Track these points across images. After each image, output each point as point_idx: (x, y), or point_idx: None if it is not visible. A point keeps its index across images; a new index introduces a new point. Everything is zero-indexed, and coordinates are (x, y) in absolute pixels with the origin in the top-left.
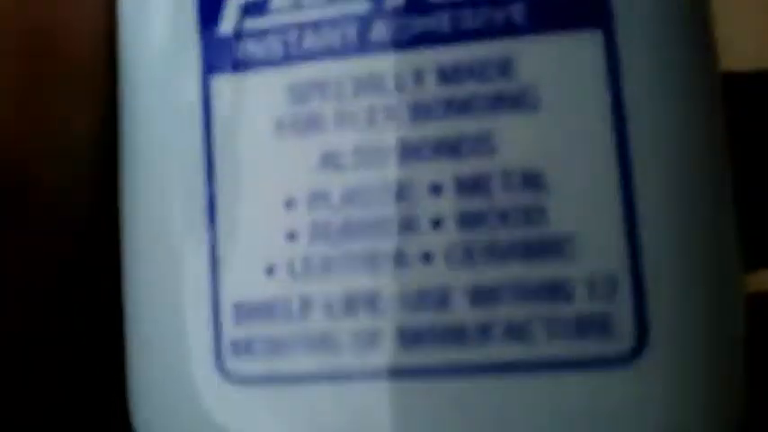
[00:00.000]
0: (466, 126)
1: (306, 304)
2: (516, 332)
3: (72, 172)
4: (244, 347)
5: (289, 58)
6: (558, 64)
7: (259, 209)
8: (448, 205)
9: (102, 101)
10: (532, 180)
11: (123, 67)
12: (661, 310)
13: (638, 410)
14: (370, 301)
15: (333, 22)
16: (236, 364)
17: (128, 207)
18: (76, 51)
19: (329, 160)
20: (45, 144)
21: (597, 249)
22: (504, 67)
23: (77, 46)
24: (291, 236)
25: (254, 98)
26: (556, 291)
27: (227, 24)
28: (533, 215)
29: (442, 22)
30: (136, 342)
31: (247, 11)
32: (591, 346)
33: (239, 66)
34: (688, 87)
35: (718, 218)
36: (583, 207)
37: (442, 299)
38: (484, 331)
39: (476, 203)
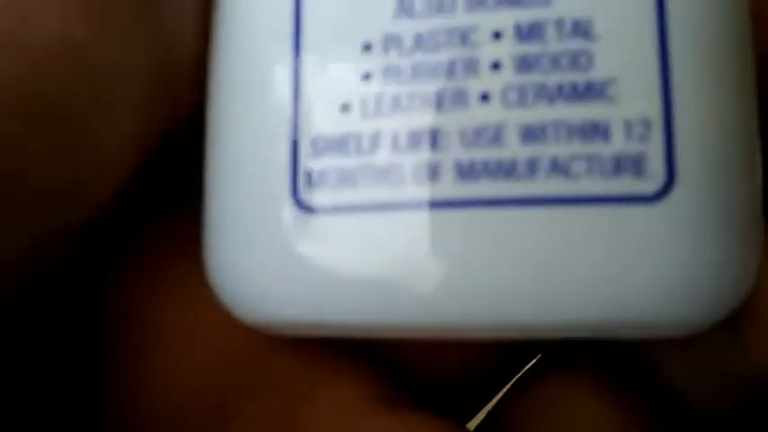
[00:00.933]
0: None
1: (375, 139)
2: (559, 168)
3: None
4: (318, 179)
5: None
6: None
7: (339, 50)
8: (506, 50)
9: None
10: (582, 28)
11: None
12: (689, 155)
13: (663, 245)
14: (433, 137)
15: None
16: (311, 195)
17: (217, 37)
18: None
19: (404, 7)
20: None
21: (635, 93)
22: None
23: None
24: (366, 76)
25: None
26: (596, 130)
27: None
28: (581, 60)
29: None
30: (213, 192)
31: None
32: (625, 184)
33: None
34: None
35: (744, 78)
36: (624, 54)
37: (496, 135)
38: (531, 166)
39: (531, 48)
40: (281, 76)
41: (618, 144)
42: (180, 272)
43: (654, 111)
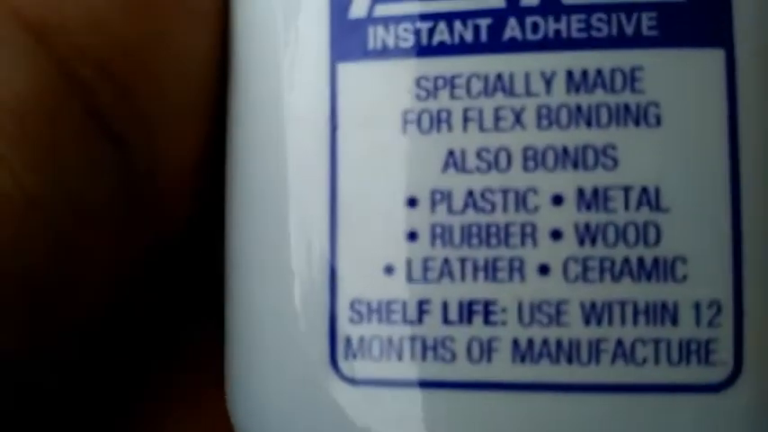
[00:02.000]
0: (591, 136)
1: (422, 308)
2: (624, 353)
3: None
4: (358, 347)
5: (419, 49)
6: (681, 80)
7: (381, 205)
8: (568, 217)
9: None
10: (651, 197)
11: (239, 44)
12: (758, 341)
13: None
14: (487, 310)
15: (465, 16)
16: (349, 364)
17: (239, 186)
18: None
19: (454, 160)
20: (163, 67)
21: (705, 273)
22: (632, 78)
23: None
24: (412, 235)
25: (381, 89)
26: (664, 313)
27: (358, 8)
28: (649, 233)
29: (574, 24)
30: (240, 338)
31: None
32: (692, 372)
33: (368, 54)
34: None
35: None
36: (695, 229)
37: (557, 313)
38: (594, 349)
39: (595, 217)
40: (316, 228)
41: (686, 328)
42: (190, 409)
43: (725, 293)
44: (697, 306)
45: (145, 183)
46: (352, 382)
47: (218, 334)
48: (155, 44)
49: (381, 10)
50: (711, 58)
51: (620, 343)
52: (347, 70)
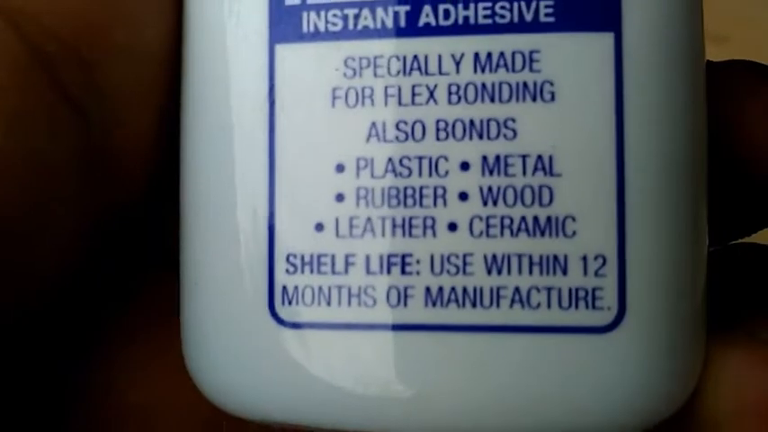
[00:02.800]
0: (494, 110)
1: (348, 261)
2: (521, 299)
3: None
4: (293, 294)
5: (346, 33)
6: (574, 60)
7: (313, 171)
8: (473, 181)
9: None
10: (545, 164)
11: (191, 27)
12: (639, 289)
13: (615, 371)
14: (403, 262)
15: (387, 3)
16: (285, 310)
17: (190, 154)
18: None
19: (376, 131)
20: (122, 45)
21: (592, 231)
22: (530, 60)
23: None
24: (340, 197)
25: (313, 68)
26: (556, 264)
27: None
28: (543, 195)
29: (480, 11)
30: (191, 290)
31: None
32: (580, 316)
33: (302, 36)
34: (681, 88)
35: (695, 212)
36: (584, 192)
37: (463, 264)
38: (495, 295)
39: (497, 181)
40: (257, 193)
41: (574, 278)
42: (148, 347)
43: (609, 247)
44: (584, 258)
45: (101, 146)
46: (288, 325)
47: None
48: (113, 25)
49: None
50: (602, 41)
51: (517, 290)
52: (284, 51)
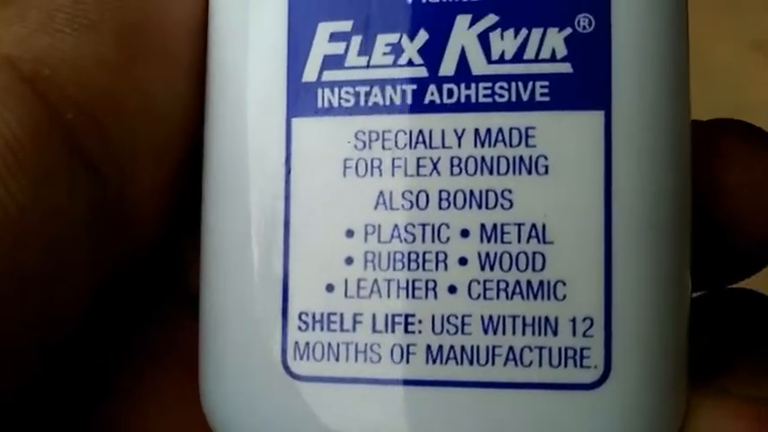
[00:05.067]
0: (492, 182)
1: (356, 319)
2: (515, 357)
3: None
4: (304, 350)
5: (357, 108)
6: (566, 136)
7: (325, 235)
8: (472, 247)
9: (194, 91)
10: (539, 232)
11: (212, 97)
12: (624, 349)
13: (601, 425)
14: (406, 321)
15: (395, 82)
16: (297, 364)
17: (211, 214)
18: (169, 42)
19: (383, 199)
20: (135, 111)
21: (581, 294)
22: (526, 135)
23: (171, 37)
24: (349, 260)
25: (326, 140)
26: (547, 325)
27: (309, 73)
28: (537, 261)
29: (481, 91)
30: (210, 343)
31: (327, 64)
32: (569, 373)
33: (317, 111)
34: (668, 160)
35: (680, 274)
36: (574, 258)
37: (462, 324)
38: (491, 353)
39: (494, 247)
40: (273, 254)
41: (564, 338)
42: (175, 392)
43: (596, 310)
44: (574, 320)
45: (116, 202)
46: (300, 378)
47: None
48: (129, 94)
49: (328, 75)
50: (592, 119)
51: (511, 349)
52: (300, 124)
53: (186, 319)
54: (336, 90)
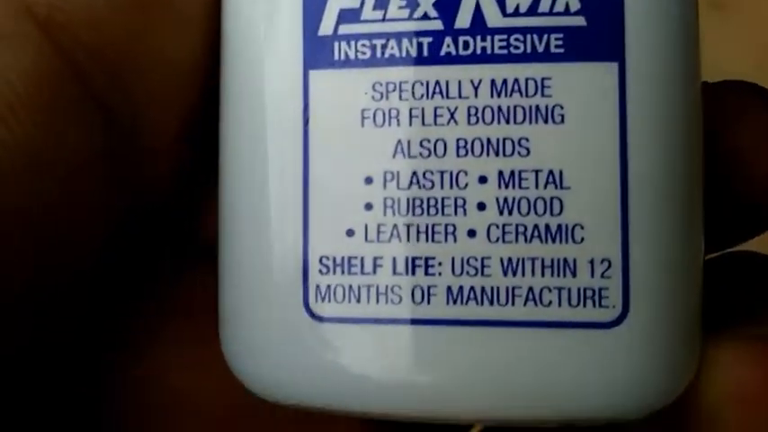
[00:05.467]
0: (509, 131)
1: (376, 262)
2: (534, 297)
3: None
4: (326, 292)
5: (374, 60)
6: (582, 87)
7: (344, 182)
8: (491, 193)
9: (207, 40)
10: (556, 178)
11: (229, 50)
12: (641, 290)
13: (619, 362)
14: (427, 264)
15: (411, 35)
16: (319, 306)
17: (229, 162)
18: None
19: (401, 148)
20: (147, 56)
21: (598, 237)
22: (542, 86)
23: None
24: (368, 206)
25: (344, 91)
26: (566, 267)
27: (325, 27)
28: (554, 206)
29: (497, 43)
30: (231, 288)
31: (342, 18)
32: (588, 312)
33: (333, 63)
34: (680, 110)
35: (692, 220)
36: (591, 203)
37: (482, 266)
38: (511, 294)
39: (512, 193)
40: (293, 201)
41: (583, 278)
42: (192, 335)
43: (614, 252)
44: (591, 262)
45: (128, 144)
46: (322, 320)
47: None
48: (141, 39)
49: (344, 29)
50: (606, 69)
51: (531, 289)
52: (317, 76)
53: (201, 271)
54: (353, 43)
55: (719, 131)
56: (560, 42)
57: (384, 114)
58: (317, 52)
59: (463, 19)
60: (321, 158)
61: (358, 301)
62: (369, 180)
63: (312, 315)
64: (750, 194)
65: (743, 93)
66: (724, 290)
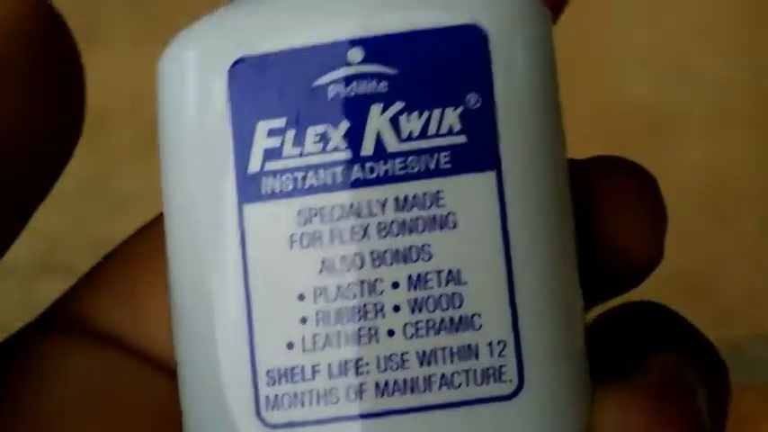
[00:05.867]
0: (414, 240)
1: (314, 369)
2: (447, 382)
3: None
4: (274, 401)
5: (296, 191)
6: (468, 195)
7: (281, 301)
8: (403, 296)
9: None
10: (454, 276)
11: (168, 188)
12: (533, 363)
13: (523, 427)
14: (357, 365)
15: (326, 166)
16: (270, 414)
17: (177, 298)
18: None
19: (326, 266)
20: None
21: (493, 322)
22: (437, 198)
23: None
24: (303, 320)
25: (273, 220)
26: (470, 352)
27: (253, 166)
28: (455, 300)
29: (396, 165)
30: (189, 404)
31: (267, 156)
32: (491, 388)
33: (262, 197)
34: (552, 202)
35: (573, 299)
36: (485, 294)
37: (402, 361)
38: (428, 382)
39: (421, 293)
40: (239, 322)
41: (485, 360)
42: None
43: (507, 333)
44: (490, 344)
45: None
46: (274, 426)
47: None
48: None
49: (269, 166)
50: (487, 178)
51: (443, 375)
52: (249, 209)
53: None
54: (278, 177)
55: (587, 209)
56: (448, 159)
57: (309, 237)
58: (248, 188)
59: (367, 148)
60: (259, 282)
61: (302, 405)
62: (301, 297)
63: (264, 423)
64: (615, 263)
65: (607, 168)
66: (612, 341)
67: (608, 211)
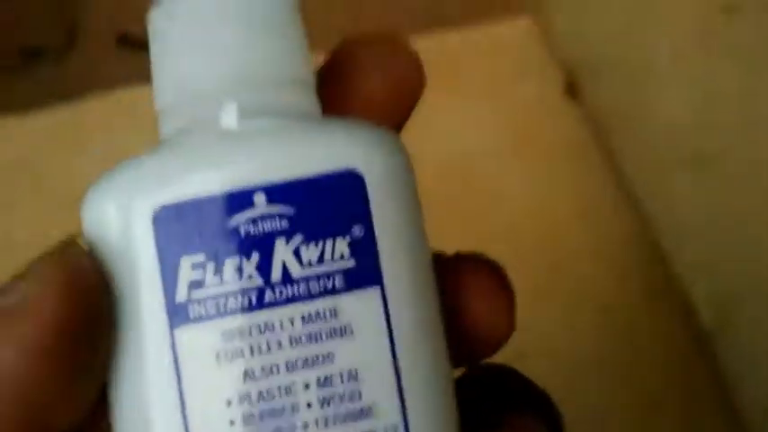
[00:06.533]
0: (319, 348)
1: None
2: None
3: None
4: None
5: (219, 314)
6: (360, 308)
7: (211, 406)
8: (313, 395)
9: None
10: (353, 375)
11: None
12: None
13: None
14: None
15: (242, 292)
16: None
17: (118, 414)
18: None
19: (249, 375)
20: None
21: (386, 411)
22: (335, 312)
23: None
24: (231, 422)
25: (201, 340)
26: None
27: (180, 295)
28: (355, 395)
29: (301, 288)
30: None
31: (192, 287)
32: None
33: (190, 321)
34: (424, 303)
35: (447, 380)
36: (379, 389)
37: None
38: None
39: (327, 392)
40: (175, 425)
41: None
42: None
43: (398, 419)
44: (386, 428)
45: None
46: None
47: None
48: None
49: (194, 294)
50: (373, 292)
51: None
52: (180, 332)
53: None
54: (202, 304)
55: (455, 296)
56: (341, 279)
57: (234, 351)
58: (178, 314)
59: (276, 275)
60: (193, 392)
61: None
62: (229, 402)
63: None
64: (477, 341)
65: (469, 265)
66: (475, 402)
67: (467, 302)
